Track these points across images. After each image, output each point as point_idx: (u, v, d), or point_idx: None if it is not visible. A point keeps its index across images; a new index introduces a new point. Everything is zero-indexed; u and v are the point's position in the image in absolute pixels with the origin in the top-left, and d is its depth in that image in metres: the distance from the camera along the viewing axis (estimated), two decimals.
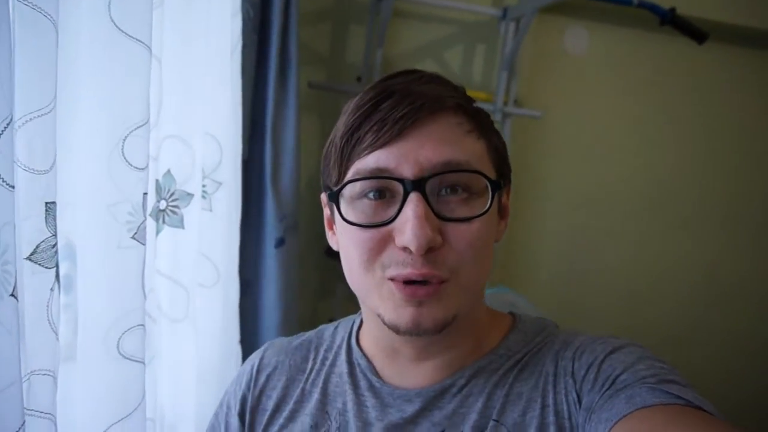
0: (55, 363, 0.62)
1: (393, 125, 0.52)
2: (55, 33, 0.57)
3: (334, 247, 0.63)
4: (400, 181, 0.52)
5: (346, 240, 0.57)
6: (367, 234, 0.54)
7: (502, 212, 0.62)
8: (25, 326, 0.61)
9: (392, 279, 0.53)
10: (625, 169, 2.12)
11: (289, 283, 1.41)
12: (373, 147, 0.53)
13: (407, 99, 0.53)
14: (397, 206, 0.52)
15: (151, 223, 0.89)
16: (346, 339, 0.69)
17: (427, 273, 0.52)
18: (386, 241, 0.53)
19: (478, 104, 0.60)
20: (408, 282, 0.53)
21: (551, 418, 0.56)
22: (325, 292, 1.84)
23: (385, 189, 0.54)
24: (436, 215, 0.52)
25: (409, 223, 0.51)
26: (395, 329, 0.55)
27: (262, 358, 0.71)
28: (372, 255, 0.54)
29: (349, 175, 0.55)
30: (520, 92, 1.97)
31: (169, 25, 0.87)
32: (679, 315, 2.22)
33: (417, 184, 0.51)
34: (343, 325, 0.72)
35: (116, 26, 0.66)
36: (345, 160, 0.55)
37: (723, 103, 2.13)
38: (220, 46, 1.01)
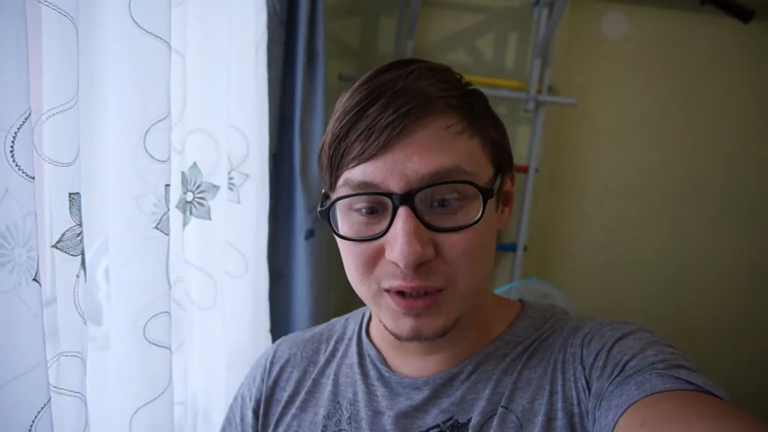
0: (83, 345, 0.66)
1: (379, 135, 0.50)
2: (75, 32, 0.60)
3: None
4: (388, 195, 0.51)
5: (342, 250, 0.57)
6: (360, 248, 0.53)
7: (505, 199, 0.61)
8: (57, 311, 0.65)
9: (387, 291, 0.54)
10: (666, 156, 2.06)
11: (319, 273, 1.43)
12: (360, 159, 0.51)
13: (394, 103, 0.51)
14: (388, 220, 0.51)
15: (177, 215, 0.92)
16: (356, 331, 0.70)
17: (417, 286, 0.52)
18: (379, 255, 0.53)
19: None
20: (404, 293, 0.53)
21: (560, 405, 0.55)
22: None
23: (376, 202, 0.53)
24: (427, 227, 0.51)
25: (398, 240, 0.50)
26: (396, 337, 0.56)
27: (275, 352, 0.73)
28: (366, 269, 0.54)
29: (338, 185, 0.54)
30: (555, 80, 1.92)
31: (192, 21, 0.90)
32: (723, 307, 2.14)
33: (405, 198, 0.50)
34: (354, 317, 0.74)
35: (137, 24, 0.69)
36: (334, 169, 0.54)
37: None
38: (244, 42, 1.03)
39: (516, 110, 1.93)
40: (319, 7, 1.36)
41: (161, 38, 0.70)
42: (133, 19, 0.68)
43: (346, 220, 0.55)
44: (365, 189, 0.52)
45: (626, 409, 0.47)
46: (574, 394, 0.55)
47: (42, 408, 0.53)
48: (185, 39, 0.87)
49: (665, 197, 2.09)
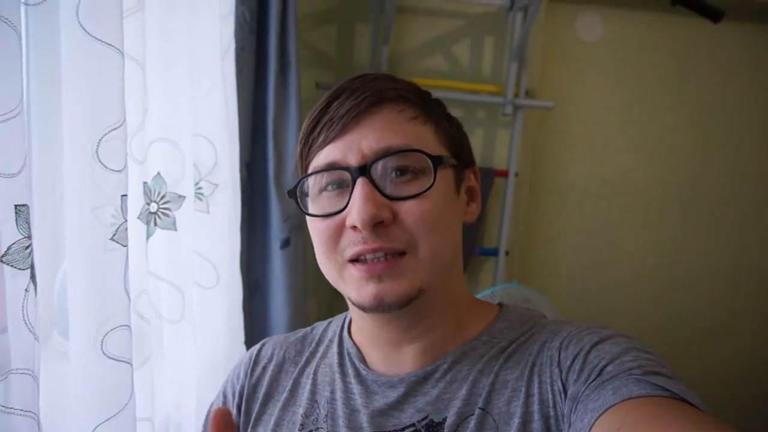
0: (34, 362, 0.64)
1: (339, 121, 0.57)
2: (18, 41, 0.59)
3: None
4: (347, 169, 0.56)
5: (312, 234, 0.61)
6: (325, 223, 0.58)
7: (472, 195, 0.66)
8: (7, 326, 0.63)
9: (351, 261, 0.57)
10: (646, 157, 2.06)
11: (296, 282, 1.42)
12: (324, 144, 0.58)
13: (351, 96, 0.57)
14: (349, 194, 0.56)
15: (140, 226, 0.91)
16: (338, 332, 0.72)
17: (377, 247, 0.55)
18: (342, 228, 0.57)
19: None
20: (366, 260, 0.56)
21: (536, 407, 0.56)
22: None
23: (340, 181, 0.58)
24: (385, 196, 0.56)
25: (355, 203, 0.55)
26: (362, 308, 0.58)
27: (259, 351, 0.74)
28: (331, 243, 0.58)
29: (308, 172, 0.60)
30: (532, 83, 1.93)
31: (151, 30, 0.89)
32: (705, 307, 2.14)
33: (362, 170, 0.55)
34: (336, 320, 0.75)
35: (85, 31, 0.67)
36: (304, 159, 0.61)
37: (746, 85, 2.04)
38: (209, 50, 1.02)
39: (494, 115, 1.93)
40: (290, 16, 1.36)
41: (112, 45, 0.69)
42: (81, 26, 0.67)
43: (315, 205, 0.60)
44: (328, 167, 0.57)
45: (602, 413, 0.47)
46: (550, 396, 0.55)
47: None
48: (144, 48, 0.85)
49: (648, 199, 2.09)
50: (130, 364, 0.77)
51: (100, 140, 0.69)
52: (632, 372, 0.50)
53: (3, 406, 0.60)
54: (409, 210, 0.56)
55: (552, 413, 0.55)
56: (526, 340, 0.61)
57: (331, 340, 0.71)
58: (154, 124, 0.92)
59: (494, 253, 1.93)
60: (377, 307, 0.56)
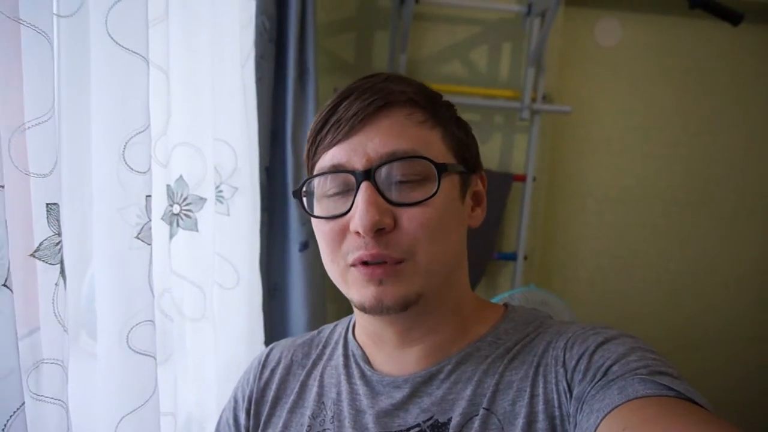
0: (63, 353, 0.67)
1: (346, 123, 0.57)
2: (50, 49, 0.63)
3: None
4: (352, 172, 0.56)
5: (317, 236, 0.62)
6: (329, 226, 0.58)
7: (478, 200, 0.65)
8: (39, 319, 0.66)
9: (353, 265, 0.57)
10: (665, 162, 2.05)
11: (315, 285, 1.44)
12: (330, 145, 0.58)
13: (360, 98, 0.57)
14: (353, 197, 0.56)
15: (164, 226, 0.94)
16: (343, 334, 0.72)
17: (377, 253, 0.55)
18: (345, 231, 0.57)
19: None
20: (366, 263, 0.56)
21: (541, 407, 0.56)
22: None
23: (345, 183, 0.58)
24: (387, 201, 0.56)
25: (358, 209, 0.55)
26: (362, 309, 0.58)
27: (268, 355, 0.75)
28: (335, 246, 0.58)
29: (314, 173, 0.60)
30: (550, 88, 1.93)
31: (175, 38, 0.93)
32: (726, 311, 2.10)
33: (366, 174, 0.55)
34: (342, 322, 0.76)
35: (113, 40, 0.71)
36: (311, 159, 0.61)
37: (766, 88, 2.01)
38: (229, 58, 1.06)
39: (512, 120, 1.94)
40: (309, 25, 1.39)
41: (138, 54, 0.73)
42: (110, 35, 0.71)
43: (320, 207, 0.60)
44: (333, 170, 0.57)
45: (608, 413, 0.48)
46: (555, 396, 0.56)
47: (15, 412, 0.54)
48: (168, 56, 0.89)
49: (668, 204, 2.07)
50: (154, 358, 0.80)
51: (126, 143, 0.73)
52: (638, 372, 0.50)
53: (35, 394, 0.64)
54: (411, 217, 0.56)
55: (557, 413, 0.55)
56: (531, 340, 0.62)
57: (336, 342, 0.72)
58: (177, 129, 0.95)
59: (513, 257, 1.94)
60: (377, 309, 0.57)
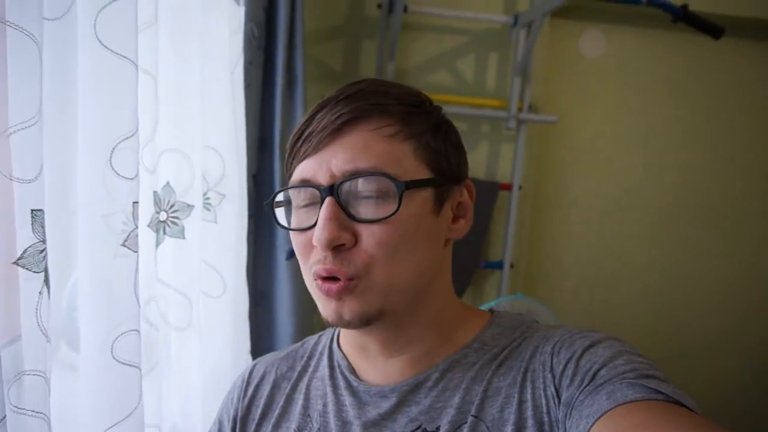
0: (46, 364, 0.65)
1: (316, 137, 0.57)
2: (38, 52, 0.61)
3: None
4: (317, 187, 0.56)
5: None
6: (299, 238, 0.59)
7: (463, 210, 0.64)
8: (20, 329, 0.64)
9: (315, 278, 0.57)
10: (651, 171, 2.07)
11: (302, 293, 1.42)
12: (302, 158, 0.59)
13: (333, 109, 0.57)
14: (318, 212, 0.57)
15: (150, 234, 0.92)
16: (328, 344, 0.71)
17: (331, 269, 0.55)
18: (311, 244, 0.57)
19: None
20: (325, 279, 0.56)
21: (529, 413, 0.56)
22: None
23: (313, 196, 0.58)
24: (348, 216, 0.56)
25: (318, 223, 0.55)
26: (327, 322, 0.58)
27: (251, 372, 0.74)
28: (304, 257, 0.59)
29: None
30: (536, 98, 1.95)
31: (164, 44, 0.92)
32: (713, 320, 2.13)
33: (329, 190, 0.56)
34: (327, 333, 0.75)
35: (102, 44, 0.70)
36: (288, 170, 0.62)
37: (748, 99, 2.06)
38: (218, 64, 1.05)
39: (498, 129, 1.95)
40: (297, 32, 1.39)
41: (127, 58, 0.72)
42: (98, 39, 0.69)
43: (296, 217, 0.60)
44: (300, 184, 0.58)
45: (597, 419, 0.48)
46: (543, 402, 0.55)
47: None
48: (157, 61, 0.88)
49: (653, 213, 2.10)
50: (139, 368, 0.78)
51: (113, 149, 0.72)
52: (625, 376, 0.50)
53: (15, 407, 0.62)
54: (370, 234, 0.55)
55: (546, 419, 0.55)
56: (518, 345, 0.61)
57: (321, 354, 0.71)
58: (164, 135, 0.94)
59: (499, 266, 1.94)
60: (338, 323, 0.57)
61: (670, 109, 2.04)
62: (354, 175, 0.55)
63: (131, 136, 0.73)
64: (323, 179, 0.56)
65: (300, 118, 1.40)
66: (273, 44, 1.36)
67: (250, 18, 1.26)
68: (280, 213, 0.62)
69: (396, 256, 0.56)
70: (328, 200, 0.55)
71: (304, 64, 1.41)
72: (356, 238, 0.56)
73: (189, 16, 0.96)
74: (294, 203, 0.60)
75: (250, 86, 1.28)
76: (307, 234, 0.57)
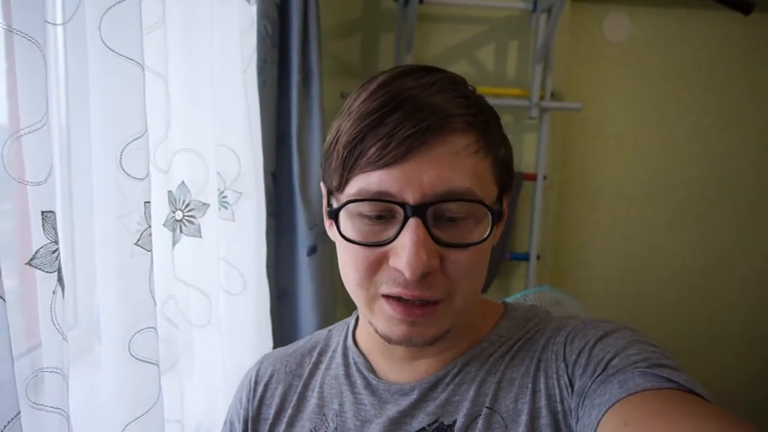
0: (63, 361, 0.67)
1: (398, 145, 0.50)
2: (42, 57, 0.62)
3: (333, 239, 0.62)
4: (402, 205, 0.51)
5: (343, 254, 0.57)
6: (364, 252, 0.54)
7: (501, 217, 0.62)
8: (39, 328, 0.66)
9: (385, 296, 0.54)
10: (679, 157, 2.01)
11: (324, 289, 1.43)
12: (377, 166, 0.51)
13: (415, 115, 0.51)
14: (396, 228, 0.52)
15: (166, 233, 0.94)
16: (341, 341, 0.70)
17: (419, 295, 0.52)
18: (382, 261, 0.53)
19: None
20: (401, 299, 0.53)
21: (543, 403, 0.55)
22: None
23: (390, 209, 0.53)
24: (435, 240, 0.52)
25: (406, 250, 0.50)
26: (387, 340, 0.57)
27: (258, 370, 0.73)
28: (367, 273, 0.54)
29: (350, 188, 0.53)
30: (558, 85, 1.91)
31: (173, 45, 0.92)
32: (745, 308, 2.05)
33: (418, 210, 0.50)
34: (337, 328, 0.74)
35: (107, 46, 0.71)
36: (346, 171, 0.53)
37: None
38: (230, 63, 1.06)
39: (521, 118, 1.92)
40: (312, 28, 1.39)
41: (133, 59, 0.72)
42: (103, 42, 0.70)
43: (350, 224, 0.55)
44: (380, 197, 0.52)
45: (609, 408, 0.47)
46: (557, 391, 0.55)
47: (10, 422, 0.54)
48: (166, 61, 0.89)
49: (683, 200, 2.03)
50: (157, 365, 0.80)
51: (123, 150, 0.73)
52: (638, 365, 0.50)
53: (34, 403, 0.63)
54: (456, 260, 0.53)
55: (559, 408, 0.54)
56: (531, 336, 0.61)
57: (334, 351, 0.69)
58: (177, 135, 0.95)
59: (525, 257, 1.91)
60: (403, 344, 0.56)
61: (698, 92, 1.97)
62: (447, 197, 0.51)
63: (140, 137, 0.74)
64: (410, 197, 0.51)
65: (317, 115, 1.41)
66: (287, 41, 1.37)
67: (262, 15, 1.27)
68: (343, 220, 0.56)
69: (474, 279, 0.56)
70: (415, 222, 0.50)
71: (319, 60, 1.41)
72: (441, 261, 0.52)
73: (198, 15, 0.97)
74: (356, 210, 0.54)
75: (265, 83, 1.29)
76: (375, 251, 0.53)
